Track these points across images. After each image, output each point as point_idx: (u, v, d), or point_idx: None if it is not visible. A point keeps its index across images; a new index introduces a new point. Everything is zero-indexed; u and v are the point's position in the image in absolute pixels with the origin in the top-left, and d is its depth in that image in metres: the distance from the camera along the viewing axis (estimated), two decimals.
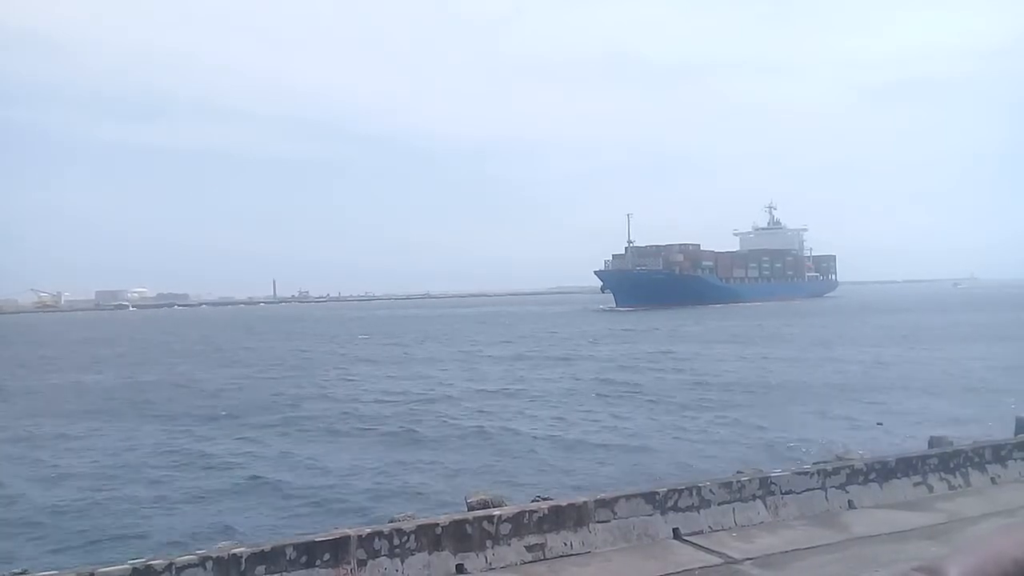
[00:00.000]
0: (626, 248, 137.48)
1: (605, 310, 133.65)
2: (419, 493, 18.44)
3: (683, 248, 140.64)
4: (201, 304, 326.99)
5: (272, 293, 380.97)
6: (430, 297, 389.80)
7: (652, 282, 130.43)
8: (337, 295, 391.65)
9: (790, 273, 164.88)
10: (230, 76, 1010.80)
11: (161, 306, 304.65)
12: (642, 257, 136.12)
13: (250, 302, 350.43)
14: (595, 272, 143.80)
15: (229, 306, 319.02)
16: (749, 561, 8.85)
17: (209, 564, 7.48)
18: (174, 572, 7.37)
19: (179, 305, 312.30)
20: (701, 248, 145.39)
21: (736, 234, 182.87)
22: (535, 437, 24.80)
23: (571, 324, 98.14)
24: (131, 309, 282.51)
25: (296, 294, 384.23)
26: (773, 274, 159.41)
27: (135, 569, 7.25)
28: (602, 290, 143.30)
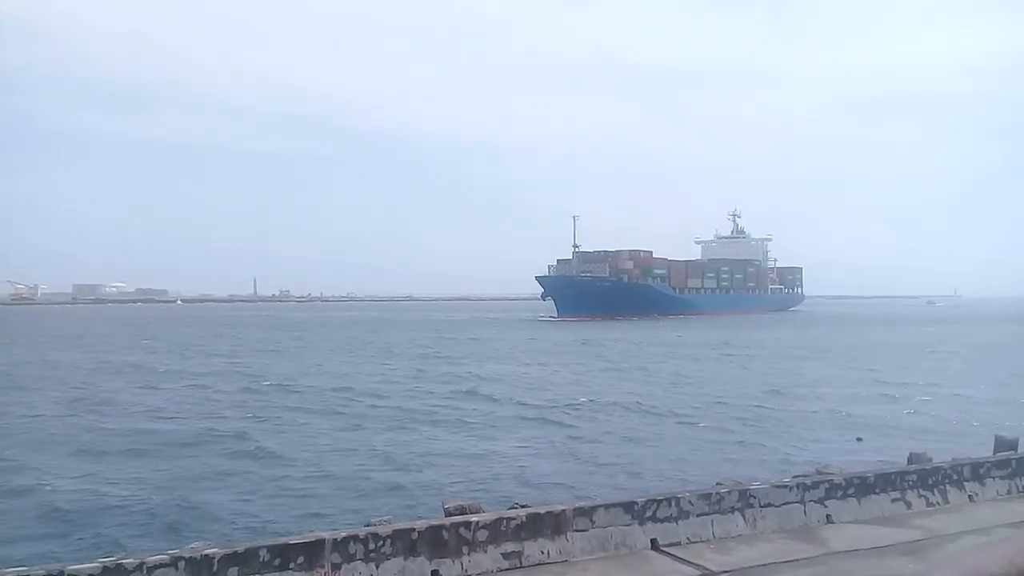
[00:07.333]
0: (572, 253, 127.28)
1: (545, 319, 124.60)
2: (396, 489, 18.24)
3: (633, 254, 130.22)
4: (177, 301, 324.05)
5: (253, 291, 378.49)
6: (413, 300, 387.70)
7: (597, 290, 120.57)
8: (319, 295, 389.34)
9: (751, 284, 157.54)
10: (220, 71, 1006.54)
11: (137, 301, 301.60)
12: (588, 263, 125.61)
13: (231, 299, 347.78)
14: (536, 278, 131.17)
15: (208, 303, 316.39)
16: (726, 574, 8.83)
17: (181, 564, 7.36)
18: (145, 571, 7.24)
19: (158, 301, 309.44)
20: (654, 255, 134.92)
21: (698, 242, 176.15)
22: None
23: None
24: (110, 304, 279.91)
25: (277, 293, 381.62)
26: (733, 285, 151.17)
27: (105, 567, 7.13)
28: (543, 297, 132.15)
